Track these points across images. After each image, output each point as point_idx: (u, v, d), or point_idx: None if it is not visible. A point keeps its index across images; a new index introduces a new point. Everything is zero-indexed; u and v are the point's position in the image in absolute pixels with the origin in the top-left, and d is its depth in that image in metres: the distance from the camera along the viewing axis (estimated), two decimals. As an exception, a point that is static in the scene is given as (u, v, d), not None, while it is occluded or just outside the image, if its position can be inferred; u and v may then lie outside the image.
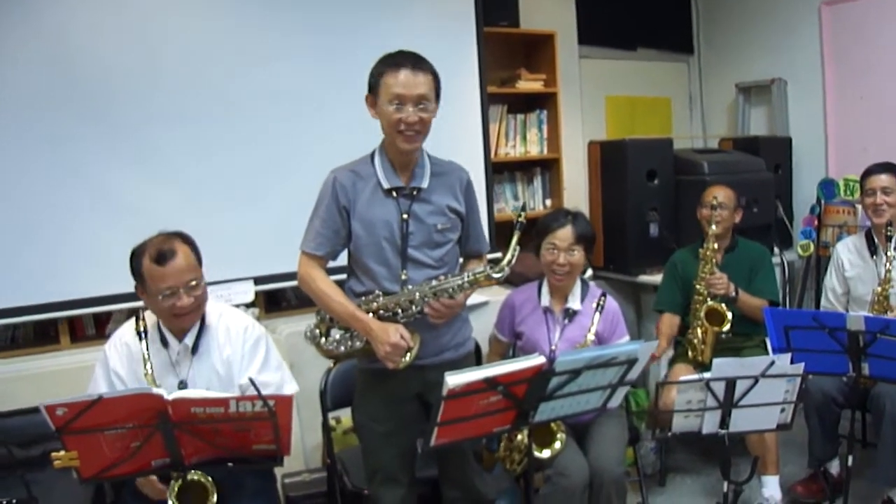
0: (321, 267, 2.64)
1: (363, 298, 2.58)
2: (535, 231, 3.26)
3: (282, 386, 2.70)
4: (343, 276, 2.73)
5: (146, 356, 2.44)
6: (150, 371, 2.43)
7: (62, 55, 3.33)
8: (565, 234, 3.16)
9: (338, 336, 2.63)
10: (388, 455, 2.70)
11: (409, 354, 2.51)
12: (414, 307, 2.52)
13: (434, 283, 2.54)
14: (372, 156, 2.62)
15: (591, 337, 3.12)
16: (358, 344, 2.57)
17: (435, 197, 2.61)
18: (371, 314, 2.53)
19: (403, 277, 2.57)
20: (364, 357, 2.65)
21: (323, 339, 2.64)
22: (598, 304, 3.17)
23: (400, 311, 2.53)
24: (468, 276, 2.51)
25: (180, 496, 2.29)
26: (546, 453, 2.92)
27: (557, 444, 2.93)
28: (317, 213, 2.62)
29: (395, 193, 2.57)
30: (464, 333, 2.78)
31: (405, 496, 2.77)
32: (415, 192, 2.58)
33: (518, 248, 2.45)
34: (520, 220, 2.46)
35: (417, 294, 2.52)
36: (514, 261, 2.45)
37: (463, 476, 2.85)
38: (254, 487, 2.63)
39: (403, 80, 2.43)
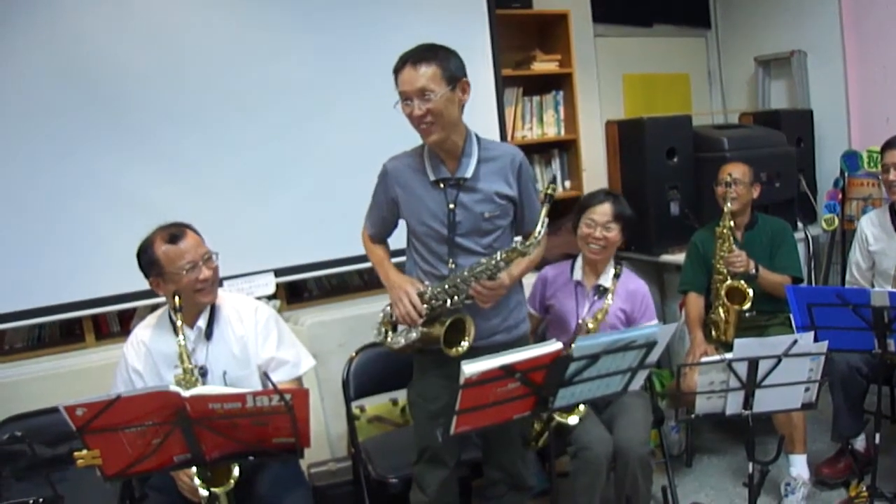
0: (376, 240, 2.86)
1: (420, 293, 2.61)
2: (575, 208, 3.34)
3: (299, 362, 2.81)
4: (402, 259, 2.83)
5: (181, 329, 2.51)
6: (183, 343, 2.50)
7: (75, 59, 3.34)
8: (604, 209, 3.22)
9: (399, 329, 2.70)
10: (435, 434, 2.70)
11: (464, 342, 2.56)
12: (460, 294, 2.55)
13: (473, 264, 2.55)
14: (424, 146, 2.67)
15: (608, 302, 3.10)
16: (414, 335, 2.61)
17: (483, 184, 2.62)
18: (426, 306, 2.57)
19: (451, 265, 2.62)
20: (422, 344, 2.67)
21: (390, 335, 2.72)
22: (615, 274, 3.21)
23: (448, 299, 2.56)
24: (501, 255, 2.50)
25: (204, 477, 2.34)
26: (573, 420, 2.91)
27: (582, 406, 2.91)
28: (373, 198, 2.80)
29: (441, 184, 2.61)
30: (516, 316, 2.79)
31: (447, 478, 2.80)
32: (461, 182, 2.61)
33: (547, 219, 2.43)
34: (549, 192, 2.43)
35: (459, 279, 2.54)
36: (543, 232, 2.44)
37: (506, 458, 2.87)
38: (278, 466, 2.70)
39: (405, 78, 2.48)
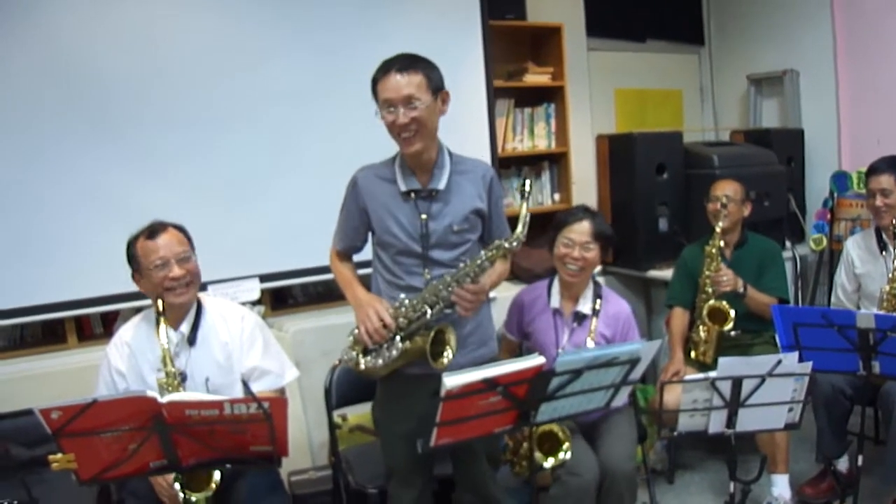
0: (344, 257, 2.80)
1: (391, 310, 2.54)
2: (551, 226, 3.22)
3: (283, 373, 2.78)
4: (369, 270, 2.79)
5: (166, 334, 2.49)
6: (167, 346, 2.48)
7: (58, 59, 3.33)
8: (582, 228, 3.08)
9: (373, 351, 2.60)
10: (405, 454, 2.68)
11: (447, 352, 2.51)
12: (440, 302, 2.50)
13: (454, 270, 2.51)
14: (395, 157, 2.64)
15: (590, 343, 3.06)
16: (394, 353, 2.53)
17: (454, 197, 2.60)
18: (402, 320, 2.53)
19: (427, 276, 2.58)
20: (405, 361, 2.59)
21: (362, 359, 2.61)
22: (593, 310, 3.13)
23: (428, 309, 2.51)
24: (486, 254, 2.48)
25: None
26: (550, 462, 2.83)
27: (561, 455, 2.83)
28: (341, 211, 2.75)
29: (412, 195, 2.58)
30: (486, 330, 2.77)
31: (420, 495, 2.78)
32: (433, 193, 2.58)
33: (528, 215, 2.43)
34: (524, 188, 2.45)
35: (440, 286, 2.50)
36: (526, 228, 2.42)
37: (476, 478, 2.83)
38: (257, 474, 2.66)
39: (391, 84, 2.45)
